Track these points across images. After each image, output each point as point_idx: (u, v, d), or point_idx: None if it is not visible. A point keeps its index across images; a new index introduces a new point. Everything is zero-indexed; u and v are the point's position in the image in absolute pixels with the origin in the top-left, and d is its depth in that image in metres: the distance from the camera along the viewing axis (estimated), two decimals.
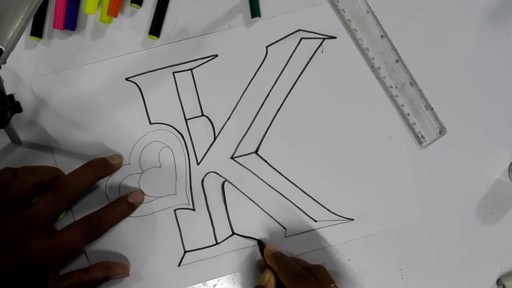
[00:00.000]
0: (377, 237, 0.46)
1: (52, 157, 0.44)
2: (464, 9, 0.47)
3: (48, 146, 0.44)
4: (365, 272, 0.46)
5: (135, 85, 0.44)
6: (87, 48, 0.44)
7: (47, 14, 0.45)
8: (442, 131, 0.47)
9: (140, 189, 0.44)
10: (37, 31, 0.44)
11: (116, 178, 0.44)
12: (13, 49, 0.35)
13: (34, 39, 0.44)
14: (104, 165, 0.42)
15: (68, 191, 0.40)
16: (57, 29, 0.44)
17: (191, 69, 0.44)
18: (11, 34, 0.35)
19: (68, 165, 0.43)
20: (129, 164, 0.44)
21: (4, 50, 0.35)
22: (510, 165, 0.47)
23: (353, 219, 0.46)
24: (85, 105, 0.44)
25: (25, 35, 0.44)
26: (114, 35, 0.45)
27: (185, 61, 0.44)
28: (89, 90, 0.44)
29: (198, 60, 0.45)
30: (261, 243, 0.45)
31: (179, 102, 0.45)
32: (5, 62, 0.36)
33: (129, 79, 0.44)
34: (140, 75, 0.44)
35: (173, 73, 0.44)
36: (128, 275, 0.44)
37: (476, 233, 0.47)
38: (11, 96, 0.39)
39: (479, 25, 0.47)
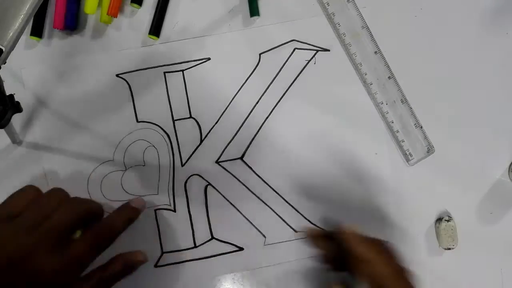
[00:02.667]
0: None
1: (51, 157, 0.44)
2: (464, 9, 0.47)
3: (48, 146, 0.44)
4: None
5: (125, 82, 0.44)
6: (87, 48, 0.44)
7: (47, 14, 0.45)
8: (430, 149, 0.47)
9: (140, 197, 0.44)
10: (37, 31, 0.44)
11: (98, 174, 0.44)
12: (13, 49, 0.35)
13: (34, 39, 0.44)
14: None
15: (109, 240, 0.39)
16: (57, 29, 0.44)
17: (182, 70, 0.44)
18: (11, 34, 0.35)
19: (64, 166, 0.44)
20: (113, 160, 0.44)
21: (4, 50, 0.35)
22: (510, 165, 0.47)
23: None
24: (76, 99, 0.44)
25: (25, 35, 0.44)
26: (114, 35, 0.45)
27: (177, 62, 0.44)
28: (80, 84, 0.44)
29: (191, 62, 0.45)
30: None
31: (168, 102, 0.44)
32: (5, 62, 0.35)
33: (120, 75, 0.44)
34: (131, 73, 0.44)
35: (164, 73, 0.44)
36: (147, 260, 0.42)
37: (476, 233, 0.47)
38: (11, 96, 0.39)
39: (479, 25, 0.47)
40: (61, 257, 0.36)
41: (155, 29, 0.44)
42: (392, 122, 0.47)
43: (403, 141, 0.47)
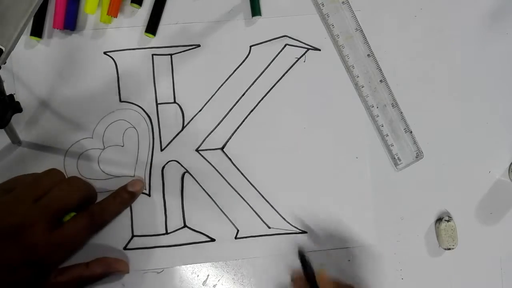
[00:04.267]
0: (377, 237, 0.45)
1: (51, 156, 0.44)
2: (464, 9, 0.47)
3: (48, 146, 0.44)
4: (365, 272, 0.45)
5: (112, 60, 0.44)
6: (87, 48, 0.44)
7: (47, 14, 0.44)
8: (419, 155, 0.45)
9: (139, 177, 0.44)
10: (37, 31, 0.44)
11: (75, 151, 0.44)
12: (13, 49, 0.35)
13: (34, 39, 0.44)
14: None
15: (103, 222, 0.41)
16: (57, 29, 0.44)
17: (171, 54, 0.45)
18: (11, 34, 0.35)
19: (42, 138, 0.44)
20: (92, 138, 0.44)
21: (4, 50, 0.35)
22: (510, 165, 0.46)
23: (306, 232, 0.44)
24: (60, 72, 0.44)
25: (25, 35, 0.44)
26: (114, 35, 0.45)
27: (166, 45, 0.45)
28: (67, 57, 0.44)
29: (180, 47, 0.45)
30: (303, 257, 0.43)
31: (153, 85, 0.44)
32: (5, 62, 0.36)
33: (107, 53, 0.44)
34: (119, 51, 0.44)
35: (152, 55, 0.44)
36: (128, 272, 0.43)
37: (476, 233, 0.46)
38: (11, 96, 0.39)
39: (479, 25, 0.47)
40: (54, 235, 0.36)
41: (151, 27, 0.44)
42: (382, 126, 0.46)
43: (392, 145, 0.46)
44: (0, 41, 0.35)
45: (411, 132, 0.46)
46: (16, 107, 0.39)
